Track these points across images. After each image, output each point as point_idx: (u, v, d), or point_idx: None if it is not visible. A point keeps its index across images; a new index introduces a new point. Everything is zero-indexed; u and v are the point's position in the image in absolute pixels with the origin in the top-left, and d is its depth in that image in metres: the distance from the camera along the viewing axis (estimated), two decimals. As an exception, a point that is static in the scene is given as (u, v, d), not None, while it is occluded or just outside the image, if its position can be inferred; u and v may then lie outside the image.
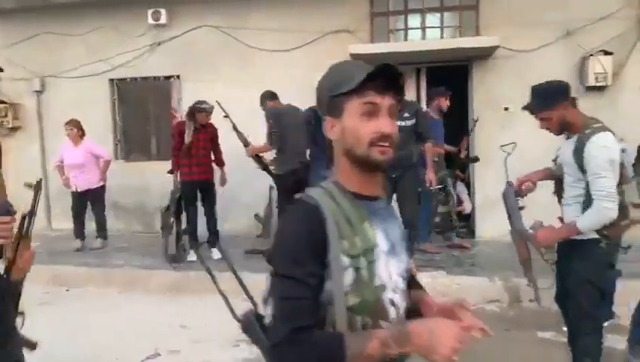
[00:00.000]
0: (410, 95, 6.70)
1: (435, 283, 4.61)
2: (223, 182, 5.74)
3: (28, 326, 1.94)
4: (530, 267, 2.84)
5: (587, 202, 2.43)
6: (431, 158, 4.76)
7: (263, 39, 6.68)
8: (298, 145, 5.07)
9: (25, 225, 1.86)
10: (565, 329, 3.78)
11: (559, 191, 2.72)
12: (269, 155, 5.45)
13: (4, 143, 7.74)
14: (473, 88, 6.26)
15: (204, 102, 5.40)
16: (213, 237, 5.67)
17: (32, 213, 1.88)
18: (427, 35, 6.45)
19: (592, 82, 5.83)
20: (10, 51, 7.43)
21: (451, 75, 6.61)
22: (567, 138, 2.58)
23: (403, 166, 4.55)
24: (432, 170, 4.69)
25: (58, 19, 7.24)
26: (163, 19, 6.82)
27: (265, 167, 5.24)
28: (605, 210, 2.32)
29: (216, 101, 5.28)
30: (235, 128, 5.25)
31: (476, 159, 5.80)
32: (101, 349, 3.77)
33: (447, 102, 5.56)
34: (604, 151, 2.35)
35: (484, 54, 6.04)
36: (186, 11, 6.89)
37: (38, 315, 4.55)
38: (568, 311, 2.69)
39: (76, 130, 6.12)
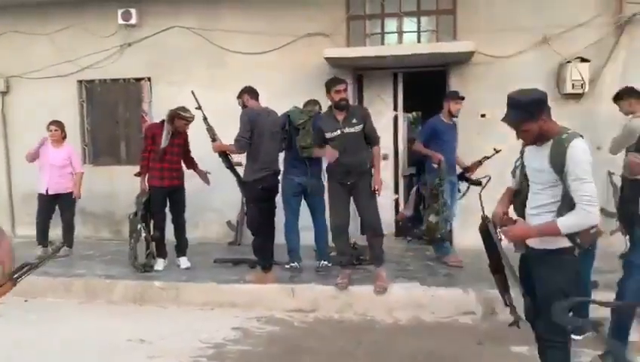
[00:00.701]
0: (387, 100, 6.60)
1: (409, 294, 4.47)
2: (207, 179, 5.49)
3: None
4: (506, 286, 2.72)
5: (564, 208, 2.35)
6: (379, 162, 4.66)
7: (237, 41, 6.51)
8: (271, 153, 4.86)
9: None
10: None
11: (521, 204, 2.61)
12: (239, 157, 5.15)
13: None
14: (450, 94, 6.14)
15: (187, 110, 5.17)
16: (182, 245, 5.45)
17: None
18: (404, 39, 6.34)
19: (568, 89, 5.76)
20: (-27, 50, 7.15)
21: (429, 80, 6.52)
22: (537, 145, 2.46)
23: (357, 172, 4.47)
24: (378, 173, 4.58)
25: (25, 18, 6.98)
26: (133, 20, 6.61)
27: (231, 166, 4.97)
28: (590, 214, 2.28)
29: (192, 91, 4.98)
30: (205, 120, 4.95)
31: (478, 183, 4.91)
32: None
33: (458, 106, 5.25)
34: (587, 155, 2.32)
35: (462, 60, 5.95)
36: (157, 11, 6.69)
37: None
38: (537, 324, 2.56)
39: (60, 131, 5.87)
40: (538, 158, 2.45)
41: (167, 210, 5.36)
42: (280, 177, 5.04)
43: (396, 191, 6.71)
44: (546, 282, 2.46)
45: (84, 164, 7.00)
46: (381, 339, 3.94)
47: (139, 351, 3.80)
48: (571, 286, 2.42)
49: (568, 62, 5.75)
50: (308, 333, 4.11)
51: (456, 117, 5.37)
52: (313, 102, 5.32)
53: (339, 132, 4.50)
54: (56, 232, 6.09)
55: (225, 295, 4.76)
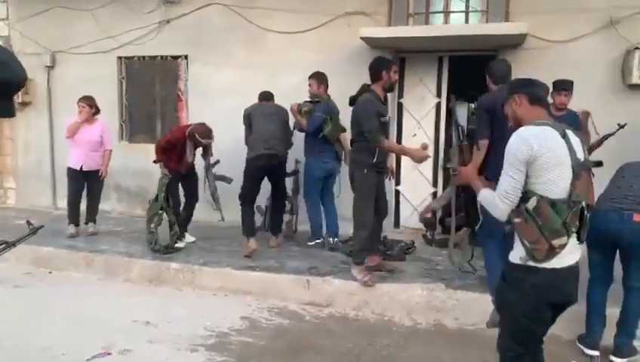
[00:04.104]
0: (430, 85, 6.15)
1: (430, 296, 4.11)
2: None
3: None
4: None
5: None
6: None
7: (274, 20, 6.26)
8: (264, 131, 5.11)
9: None
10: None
11: None
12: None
13: (13, 118, 7.70)
14: (499, 81, 5.62)
15: (206, 134, 5.29)
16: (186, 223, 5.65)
17: None
18: (451, 19, 5.86)
19: (635, 80, 5.11)
20: (22, 25, 7.33)
21: (478, 66, 6.00)
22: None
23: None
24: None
25: (71, -7, 7.06)
26: (173, -4, 6.50)
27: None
28: (497, 207, 2.22)
29: None
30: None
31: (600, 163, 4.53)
32: (53, 340, 3.49)
33: (561, 98, 4.50)
34: (514, 148, 2.22)
35: (513, 43, 5.41)
36: (196, -13, 6.56)
37: (8, 297, 4.43)
38: None
39: (89, 107, 5.72)
40: None
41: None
42: (305, 162, 5.37)
43: (434, 184, 6.27)
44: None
45: (120, 140, 7.08)
46: (394, 343, 3.62)
47: (140, 333, 3.69)
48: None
49: (636, 48, 5.09)
50: (318, 330, 3.86)
51: (562, 110, 4.51)
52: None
53: (387, 117, 4.33)
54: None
55: (240, 281, 4.58)
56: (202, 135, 5.24)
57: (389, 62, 4.35)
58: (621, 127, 4.54)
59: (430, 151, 6.15)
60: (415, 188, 6.29)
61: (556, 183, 2.09)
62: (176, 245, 5.26)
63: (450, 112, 5.30)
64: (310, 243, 5.47)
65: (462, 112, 7.25)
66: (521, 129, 2.20)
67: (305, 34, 6.17)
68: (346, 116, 5.43)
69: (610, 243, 3.31)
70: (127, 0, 6.79)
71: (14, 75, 1.80)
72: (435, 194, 6.23)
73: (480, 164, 3.66)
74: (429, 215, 5.68)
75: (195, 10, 6.58)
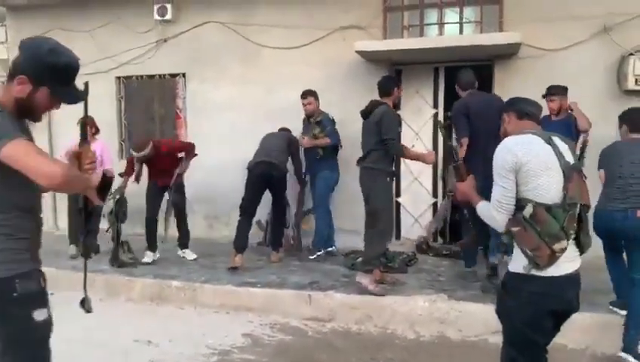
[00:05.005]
0: (426, 97, 6.18)
1: (433, 307, 4.08)
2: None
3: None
4: None
5: None
6: None
7: (270, 36, 6.32)
8: (265, 142, 5.40)
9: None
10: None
11: None
12: None
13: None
14: (494, 91, 5.63)
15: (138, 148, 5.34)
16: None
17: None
18: (445, 31, 5.90)
19: (631, 85, 5.14)
20: (21, 48, 7.38)
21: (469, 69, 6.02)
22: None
23: None
24: None
25: (68, 15, 7.12)
26: (169, 15, 6.56)
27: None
28: (493, 217, 2.24)
29: None
30: None
31: None
32: None
33: (551, 103, 4.70)
34: (500, 158, 2.29)
35: (507, 53, 5.45)
36: (192, 6, 6.62)
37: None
38: None
39: (91, 127, 5.71)
40: None
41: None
42: (320, 174, 5.55)
43: (434, 195, 6.27)
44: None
45: (120, 159, 7.08)
46: (398, 357, 3.60)
47: (142, 353, 3.67)
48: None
49: (631, 54, 5.12)
50: (320, 345, 3.83)
51: (555, 114, 4.73)
52: None
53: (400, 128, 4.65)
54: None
55: (241, 298, 4.56)
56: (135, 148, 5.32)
57: (397, 81, 4.73)
58: None
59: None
60: (415, 200, 6.29)
61: (547, 188, 2.11)
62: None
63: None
64: (319, 253, 5.49)
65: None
66: (506, 139, 2.26)
67: (300, 49, 6.22)
68: (345, 127, 5.52)
69: (616, 238, 3.67)
70: (124, 20, 6.86)
71: (71, 59, 1.86)
72: (435, 205, 6.23)
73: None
74: (430, 239, 5.79)
75: (191, 29, 6.64)
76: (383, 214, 4.33)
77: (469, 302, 4.10)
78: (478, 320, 3.91)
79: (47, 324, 1.91)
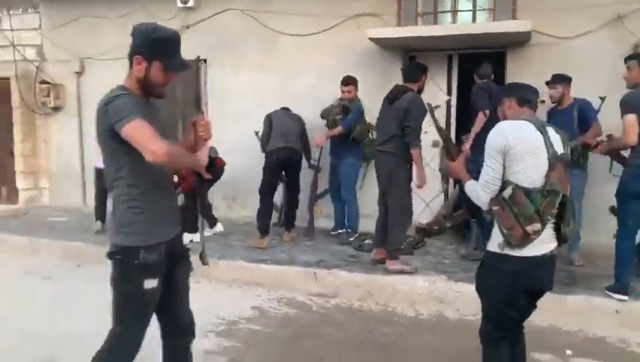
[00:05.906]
0: (440, 84, 6.27)
1: (432, 287, 4.26)
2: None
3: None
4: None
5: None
6: None
7: (287, 23, 6.48)
8: (282, 126, 5.53)
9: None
10: (569, 352, 3.45)
11: None
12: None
13: (46, 122, 8.16)
14: (507, 79, 5.69)
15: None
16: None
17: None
18: (459, 18, 5.96)
19: (645, 75, 5.11)
20: (53, 34, 7.76)
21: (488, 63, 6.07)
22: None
23: None
24: None
25: (96, 3, 7.45)
26: (191, 2, 6.79)
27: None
28: (480, 196, 2.38)
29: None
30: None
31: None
32: (84, 326, 3.72)
33: (550, 91, 4.79)
34: (492, 140, 2.42)
35: (520, 40, 5.48)
36: (213, -7, 6.83)
37: (34, 288, 4.77)
38: None
39: None
40: None
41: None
42: (345, 160, 5.64)
43: (446, 181, 6.37)
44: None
45: (144, 142, 7.40)
46: (395, 332, 3.79)
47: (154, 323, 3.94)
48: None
49: (645, 43, 5.11)
50: (323, 319, 4.06)
51: (555, 102, 4.83)
52: None
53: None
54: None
55: (252, 274, 4.82)
56: None
57: (426, 68, 4.75)
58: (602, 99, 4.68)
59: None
60: (426, 185, 6.38)
61: (530, 173, 2.24)
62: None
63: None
64: (351, 239, 5.57)
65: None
66: (501, 123, 2.40)
67: (316, 36, 6.37)
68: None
69: None
70: (149, 7, 7.11)
71: (172, 31, 2.14)
72: (446, 191, 6.34)
73: None
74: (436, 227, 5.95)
75: (212, 16, 6.86)
76: (405, 200, 4.49)
77: (467, 283, 4.23)
78: (476, 300, 4.00)
79: (155, 292, 2.17)
